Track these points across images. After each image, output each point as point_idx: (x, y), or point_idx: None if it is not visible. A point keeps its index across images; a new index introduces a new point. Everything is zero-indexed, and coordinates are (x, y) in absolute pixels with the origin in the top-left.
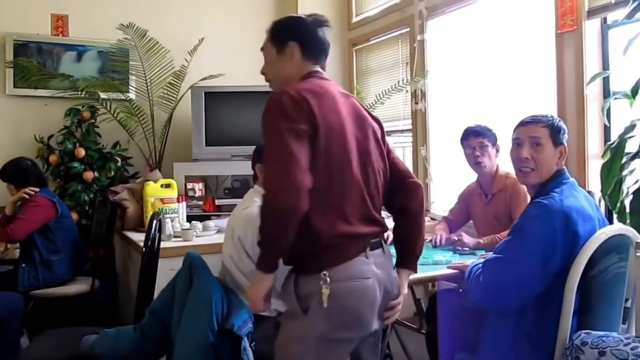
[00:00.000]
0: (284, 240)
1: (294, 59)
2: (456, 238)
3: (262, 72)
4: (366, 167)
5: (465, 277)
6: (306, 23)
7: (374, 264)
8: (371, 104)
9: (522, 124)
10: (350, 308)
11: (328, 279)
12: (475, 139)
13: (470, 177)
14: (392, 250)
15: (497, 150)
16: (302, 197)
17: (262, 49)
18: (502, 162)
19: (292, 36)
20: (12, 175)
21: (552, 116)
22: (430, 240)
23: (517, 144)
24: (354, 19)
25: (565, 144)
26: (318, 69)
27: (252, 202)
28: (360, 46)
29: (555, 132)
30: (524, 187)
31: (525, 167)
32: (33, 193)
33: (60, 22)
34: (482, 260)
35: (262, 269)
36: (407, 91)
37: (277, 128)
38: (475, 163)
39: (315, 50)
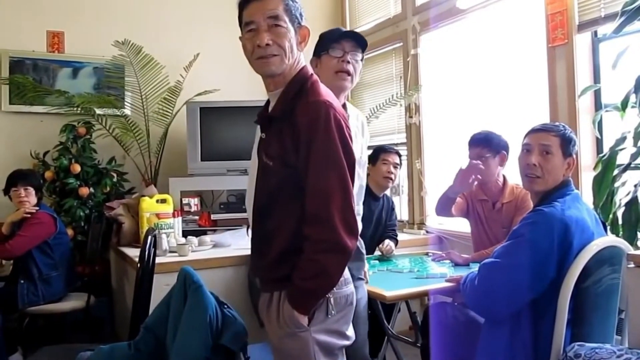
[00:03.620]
0: (337, 283)
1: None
2: (444, 254)
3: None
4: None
5: (461, 285)
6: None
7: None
8: (366, 118)
9: (534, 130)
10: (345, 315)
11: (334, 288)
12: (473, 150)
13: None
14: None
15: (502, 159)
16: (357, 240)
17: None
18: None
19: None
20: (36, 177)
21: (564, 126)
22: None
23: (526, 150)
24: None
25: (574, 156)
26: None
27: None
28: None
29: (566, 143)
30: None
31: (532, 173)
32: (34, 211)
33: (56, 39)
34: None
35: (306, 312)
36: (401, 105)
37: (338, 153)
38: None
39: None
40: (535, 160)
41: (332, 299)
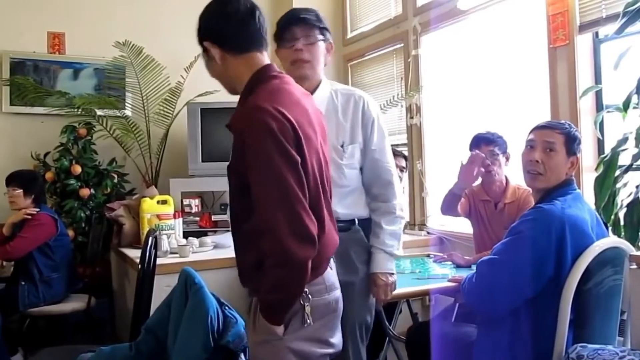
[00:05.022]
0: (300, 294)
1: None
2: (445, 256)
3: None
4: (327, 179)
5: (461, 285)
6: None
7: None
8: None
9: (539, 127)
10: (328, 322)
11: (310, 296)
12: (485, 147)
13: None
14: None
15: (507, 159)
16: (315, 247)
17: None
18: (511, 173)
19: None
20: (26, 178)
21: (570, 124)
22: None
23: (530, 146)
24: (349, 35)
25: (578, 155)
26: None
27: None
28: (355, 61)
29: (570, 141)
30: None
31: (534, 170)
32: (35, 212)
33: (56, 40)
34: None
35: (275, 322)
36: (402, 106)
37: (272, 159)
38: (485, 171)
39: None
40: (538, 157)
41: (308, 307)
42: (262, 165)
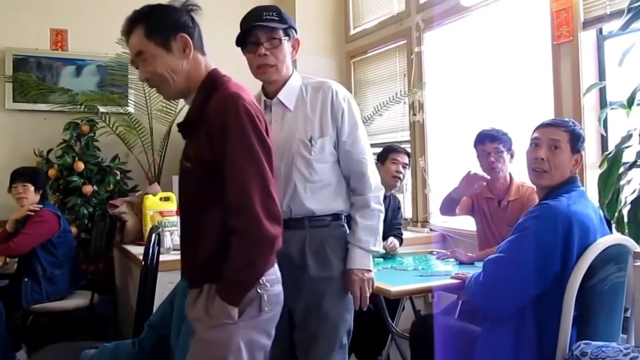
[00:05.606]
0: (263, 275)
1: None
2: (449, 253)
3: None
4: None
5: (466, 285)
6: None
7: None
8: (369, 116)
9: (544, 125)
10: (276, 314)
11: (267, 284)
12: (490, 144)
13: None
14: None
15: (512, 156)
16: (281, 229)
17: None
18: (515, 170)
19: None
20: (31, 173)
21: (574, 122)
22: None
23: (535, 144)
24: (352, 32)
25: (582, 153)
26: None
27: None
28: (358, 58)
29: (575, 139)
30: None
31: (539, 167)
32: (38, 209)
33: (59, 37)
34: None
35: (235, 303)
36: (405, 103)
37: (252, 144)
38: (489, 168)
39: None
40: (543, 155)
41: (265, 296)
42: (244, 148)
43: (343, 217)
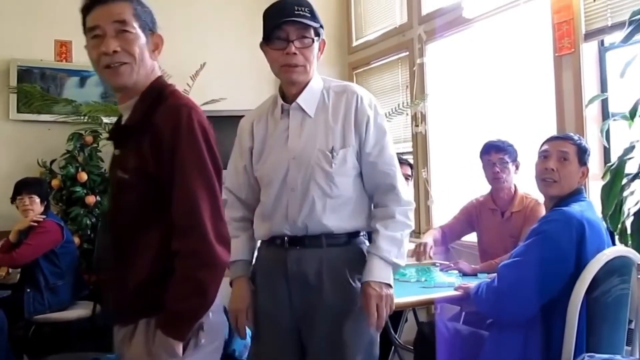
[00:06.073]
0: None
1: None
2: (452, 264)
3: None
4: None
5: (473, 294)
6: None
7: None
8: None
9: (552, 138)
10: (219, 346)
11: (210, 313)
12: (496, 155)
13: (474, 196)
14: None
15: (517, 167)
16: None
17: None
18: (521, 181)
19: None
20: (39, 185)
21: (580, 137)
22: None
23: (544, 156)
24: (354, 43)
25: (588, 166)
26: None
27: None
28: (361, 70)
29: (582, 152)
30: (542, 210)
31: (549, 177)
32: (41, 220)
33: (63, 48)
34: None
35: (182, 337)
36: (407, 114)
37: (205, 160)
38: (494, 178)
39: None
40: (553, 165)
41: (204, 326)
42: (196, 165)
43: (365, 235)
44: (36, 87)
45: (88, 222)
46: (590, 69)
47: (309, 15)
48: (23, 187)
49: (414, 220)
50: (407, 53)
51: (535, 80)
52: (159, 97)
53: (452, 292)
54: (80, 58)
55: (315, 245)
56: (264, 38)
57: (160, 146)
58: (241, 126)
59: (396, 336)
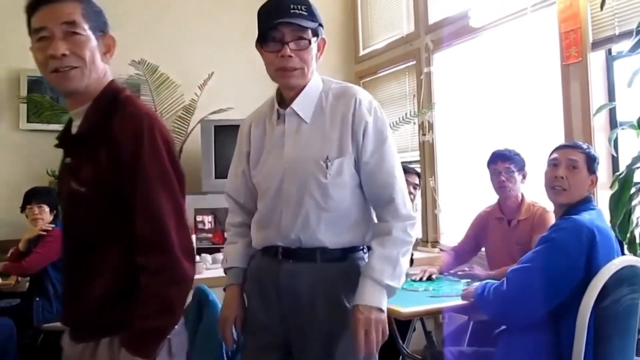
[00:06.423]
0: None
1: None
2: (467, 269)
3: None
4: None
5: (478, 294)
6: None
7: None
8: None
9: (562, 147)
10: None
11: (177, 327)
12: (502, 164)
13: (481, 205)
14: None
15: (524, 177)
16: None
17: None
18: (529, 189)
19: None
20: (46, 194)
21: (588, 146)
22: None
23: (553, 164)
24: (361, 52)
25: (597, 175)
26: None
27: None
28: (368, 79)
29: (591, 161)
30: (550, 217)
31: (558, 185)
32: (50, 229)
33: None
34: (493, 281)
35: (149, 355)
36: (414, 123)
37: (167, 171)
38: (499, 187)
39: None
40: (562, 173)
41: (174, 340)
42: (159, 177)
43: (365, 250)
44: (46, 97)
45: None
46: (597, 77)
47: (306, 13)
48: (32, 197)
49: (415, 236)
50: (414, 62)
51: (543, 89)
52: (114, 103)
53: (460, 302)
54: None
55: (310, 259)
56: (258, 39)
57: (120, 157)
58: (241, 129)
59: (404, 345)
